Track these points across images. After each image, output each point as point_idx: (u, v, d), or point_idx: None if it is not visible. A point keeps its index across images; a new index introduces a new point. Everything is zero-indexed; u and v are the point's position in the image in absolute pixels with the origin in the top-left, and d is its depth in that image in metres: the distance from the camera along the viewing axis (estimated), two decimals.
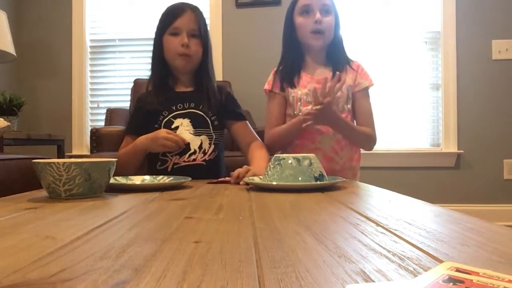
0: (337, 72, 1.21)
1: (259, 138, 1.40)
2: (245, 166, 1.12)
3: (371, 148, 1.36)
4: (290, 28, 1.37)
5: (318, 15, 1.29)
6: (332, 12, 1.33)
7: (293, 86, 1.36)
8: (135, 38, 2.87)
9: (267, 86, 1.41)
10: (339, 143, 1.32)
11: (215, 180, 1.10)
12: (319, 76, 1.35)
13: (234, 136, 1.41)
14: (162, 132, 1.23)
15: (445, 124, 2.73)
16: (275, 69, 1.42)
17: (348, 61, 1.38)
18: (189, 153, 1.29)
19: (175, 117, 1.32)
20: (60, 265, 0.35)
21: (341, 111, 1.34)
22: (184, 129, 1.30)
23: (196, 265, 0.35)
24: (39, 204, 0.73)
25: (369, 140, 1.34)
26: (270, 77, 1.41)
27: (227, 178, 1.10)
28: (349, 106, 1.36)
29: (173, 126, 1.30)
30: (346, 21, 2.79)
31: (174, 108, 1.33)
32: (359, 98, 1.35)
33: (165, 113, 1.32)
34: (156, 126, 1.31)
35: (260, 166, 1.16)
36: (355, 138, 1.34)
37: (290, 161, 0.95)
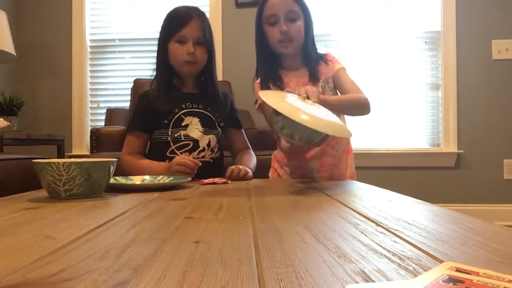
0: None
1: (250, 147, 1.50)
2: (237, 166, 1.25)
3: (368, 110, 1.27)
4: (260, 35, 1.34)
5: (283, 27, 1.26)
6: (299, 17, 1.29)
7: (282, 90, 1.32)
8: (135, 38, 2.87)
9: (259, 101, 1.34)
10: (335, 138, 1.31)
11: (206, 181, 1.10)
12: (302, 78, 1.33)
13: (229, 141, 1.48)
14: (174, 164, 1.19)
15: (445, 124, 2.73)
16: (257, 81, 1.37)
17: (321, 57, 1.36)
18: (198, 150, 1.33)
19: (185, 114, 1.34)
20: (60, 265, 0.35)
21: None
22: (193, 127, 1.33)
23: (196, 265, 0.35)
24: (39, 204, 0.73)
25: (362, 102, 1.25)
26: (256, 90, 1.35)
27: (216, 179, 1.12)
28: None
29: (183, 124, 1.33)
30: (346, 21, 2.79)
31: (184, 106, 1.35)
32: (336, 78, 1.32)
33: (176, 110, 1.34)
34: (165, 121, 1.33)
35: (246, 165, 1.30)
36: (348, 108, 1.27)
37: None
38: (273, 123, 0.97)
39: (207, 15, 2.78)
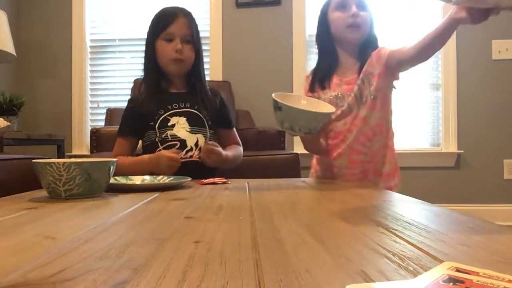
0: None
1: (240, 143, 1.50)
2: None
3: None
4: (324, 25, 1.34)
5: (354, 9, 1.28)
6: (368, 9, 1.33)
7: (323, 88, 1.34)
8: (135, 38, 2.87)
9: (303, 93, 1.39)
10: (366, 135, 1.30)
11: (206, 181, 1.11)
12: (349, 77, 1.32)
13: (219, 139, 1.46)
14: (163, 157, 1.22)
15: (445, 124, 2.73)
16: (307, 74, 1.40)
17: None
18: (186, 149, 1.32)
19: (171, 115, 1.34)
20: (60, 265, 0.35)
21: (362, 105, 1.30)
22: (180, 127, 1.33)
23: (196, 265, 0.35)
24: (39, 204, 0.73)
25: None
26: (305, 83, 1.40)
27: (216, 179, 1.12)
28: (373, 93, 1.30)
29: (169, 124, 1.33)
30: None
31: (170, 107, 1.35)
32: (391, 57, 1.28)
33: (161, 111, 1.34)
34: (151, 123, 1.33)
35: (228, 154, 1.33)
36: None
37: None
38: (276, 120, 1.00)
39: (207, 15, 2.81)
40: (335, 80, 1.34)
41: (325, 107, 1.06)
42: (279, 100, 0.94)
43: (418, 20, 2.79)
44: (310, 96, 1.30)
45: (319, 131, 1.02)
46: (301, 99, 1.11)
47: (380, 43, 1.37)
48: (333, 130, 1.30)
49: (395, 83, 1.42)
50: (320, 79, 1.34)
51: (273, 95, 0.97)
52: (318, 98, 1.30)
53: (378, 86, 1.31)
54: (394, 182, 1.36)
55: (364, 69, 1.30)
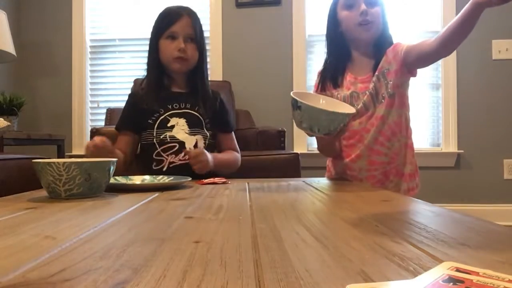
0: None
1: (238, 150, 1.46)
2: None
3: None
4: (333, 23, 1.30)
5: (363, 6, 1.23)
6: (378, 4, 1.27)
7: (336, 86, 1.30)
8: (135, 38, 2.87)
9: (314, 90, 1.36)
10: (385, 134, 1.25)
11: (206, 181, 1.11)
12: (364, 75, 1.28)
13: (217, 143, 1.44)
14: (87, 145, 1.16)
15: (445, 124, 2.73)
16: (320, 70, 1.36)
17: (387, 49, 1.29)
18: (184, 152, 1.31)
19: (171, 116, 1.34)
20: (60, 265, 0.35)
21: (379, 104, 1.25)
22: (179, 128, 1.33)
23: (196, 265, 0.35)
24: (39, 204, 0.73)
25: None
26: (316, 80, 1.36)
27: (216, 179, 1.13)
28: (390, 91, 1.25)
29: (169, 125, 1.32)
30: None
31: (170, 107, 1.35)
32: (408, 53, 1.25)
33: (161, 110, 1.34)
34: (150, 121, 1.33)
35: (217, 156, 1.31)
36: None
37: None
38: (294, 119, 0.97)
39: (207, 15, 2.81)
40: (349, 78, 1.30)
41: (345, 107, 1.03)
42: (298, 99, 0.90)
43: (418, 17, 2.79)
44: (321, 94, 1.25)
45: (338, 132, 0.99)
46: (319, 99, 1.07)
47: (394, 39, 1.33)
48: (348, 130, 1.23)
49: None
50: (332, 77, 1.30)
51: (291, 93, 0.93)
52: (331, 96, 1.26)
53: (395, 83, 1.25)
54: (415, 182, 1.33)
55: (379, 66, 1.26)
